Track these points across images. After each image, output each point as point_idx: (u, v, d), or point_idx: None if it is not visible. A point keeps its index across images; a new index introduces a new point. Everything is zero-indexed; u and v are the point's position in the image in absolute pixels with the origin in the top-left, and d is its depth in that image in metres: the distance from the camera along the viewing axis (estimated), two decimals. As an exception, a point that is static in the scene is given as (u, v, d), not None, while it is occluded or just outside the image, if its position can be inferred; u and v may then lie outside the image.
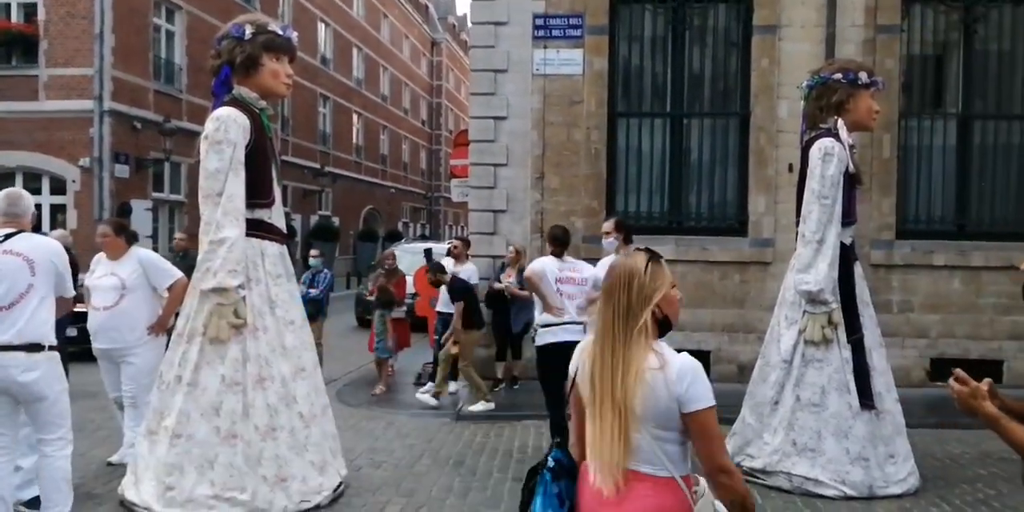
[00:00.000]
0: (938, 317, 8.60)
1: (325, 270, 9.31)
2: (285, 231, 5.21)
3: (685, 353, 2.12)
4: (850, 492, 5.09)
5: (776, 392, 5.42)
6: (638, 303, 2.11)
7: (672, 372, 2.06)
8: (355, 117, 33.26)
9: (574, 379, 2.27)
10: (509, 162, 8.97)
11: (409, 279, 9.03)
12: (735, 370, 8.40)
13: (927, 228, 8.77)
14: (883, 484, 5.15)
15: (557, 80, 8.84)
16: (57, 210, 16.97)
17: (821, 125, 5.49)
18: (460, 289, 7.76)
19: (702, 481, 2.18)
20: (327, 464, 4.91)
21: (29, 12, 17.08)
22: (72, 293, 4.31)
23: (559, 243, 5.72)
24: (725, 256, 8.67)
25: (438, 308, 8.46)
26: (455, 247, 8.97)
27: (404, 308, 8.74)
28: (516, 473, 5.61)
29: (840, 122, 5.42)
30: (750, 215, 8.73)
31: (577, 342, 5.60)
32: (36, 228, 5.24)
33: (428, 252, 9.17)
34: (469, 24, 9.65)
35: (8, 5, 17.23)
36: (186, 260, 9.04)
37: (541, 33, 8.83)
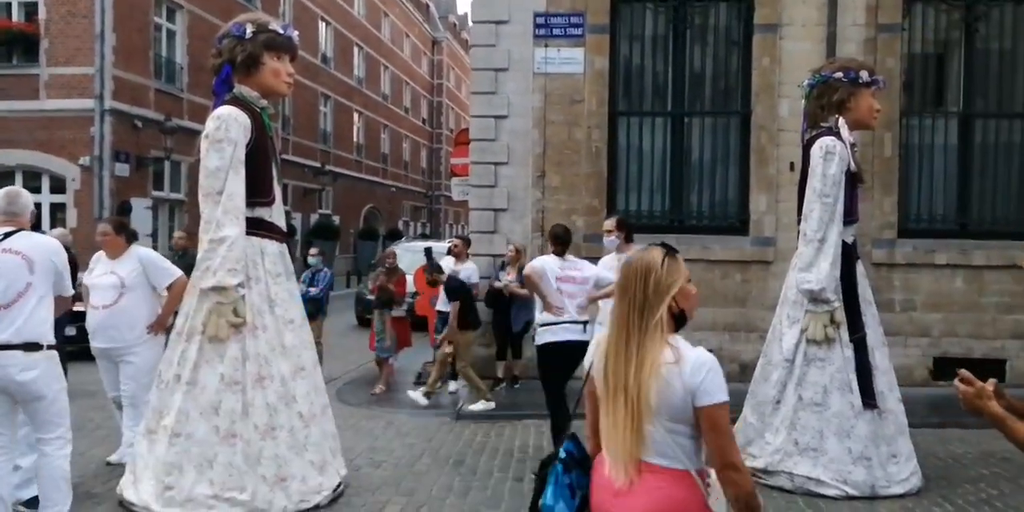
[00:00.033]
0: (940, 316, 8.58)
1: (325, 269, 9.30)
2: (285, 230, 5.19)
3: (701, 348, 2.12)
4: (852, 492, 5.08)
5: (778, 391, 5.41)
6: (655, 297, 2.12)
7: (687, 366, 2.06)
8: (356, 116, 33.26)
9: (588, 372, 2.29)
10: (510, 161, 8.96)
11: (409, 278, 9.02)
12: (737, 369, 8.38)
13: (929, 227, 8.75)
14: (885, 484, 5.13)
15: (558, 79, 8.82)
16: (57, 209, 16.97)
17: (822, 124, 5.48)
18: (456, 289, 7.75)
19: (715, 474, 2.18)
20: (327, 464, 4.90)
21: (30, 11, 17.08)
22: (71, 292, 4.30)
23: (560, 242, 5.70)
24: (726, 255, 8.65)
25: (438, 307, 8.44)
26: (455, 246, 8.96)
27: (404, 307, 8.73)
28: (516, 473, 5.60)
29: (841, 121, 5.40)
30: (751, 214, 8.72)
31: (577, 341, 5.67)
32: (36, 227, 5.23)
33: (428, 251, 9.15)
34: (470, 23, 9.63)
35: (9, 4, 17.23)
36: (185, 259, 9.03)
37: (542, 32, 8.82)
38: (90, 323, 5.44)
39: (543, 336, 5.54)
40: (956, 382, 2.16)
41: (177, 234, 12.56)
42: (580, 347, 5.47)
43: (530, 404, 7.22)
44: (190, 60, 19.43)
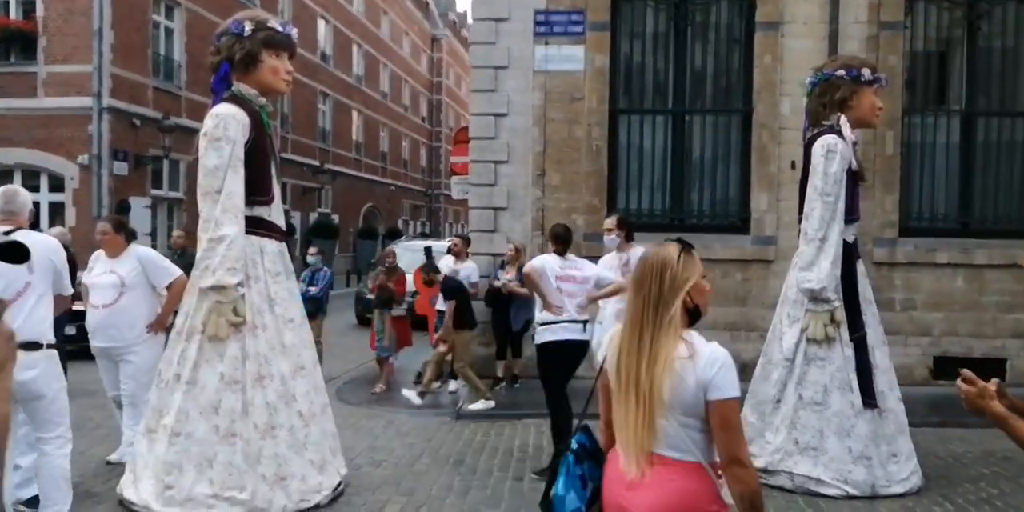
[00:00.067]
0: (941, 315, 8.57)
1: (325, 268, 9.28)
2: (284, 229, 5.18)
3: (715, 343, 2.14)
4: (852, 491, 5.07)
5: (778, 391, 5.40)
6: (670, 292, 2.13)
7: (701, 360, 2.08)
8: (355, 114, 33.23)
9: (602, 366, 2.31)
10: (510, 159, 8.94)
11: (409, 277, 9.00)
12: (737, 368, 8.35)
13: (930, 226, 8.73)
14: (886, 483, 5.13)
15: (558, 76, 8.80)
16: (56, 208, 16.95)
17: (824, 122, 5.46)
18: (452, 288, 7.73)
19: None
20: (327, 463, 4.89)
21: (28, 9, 17.05)
22: (70, 291, 4.29)
23: (561, 241, 5.68)
24: (727, 254, 8.64)
25: (438, 306, 8.42)
26: (455, 245, 8.94)
27: (404, 306, 8.72)
28: (516, 472, 5.59)
29: (843, 119, 5.38)
30: (752, 212, 8.70)
31: (577, 341, 5.65)
32: (34, 226, 5.21)
33: (428, 250, 9.15)
34: (470, 20, 9.61)
35: (7, 2, 17.20)
36: (184, 258, 9.01)
37: (542, 29, 8.79)
38: (90, 322, 5.43)
39: (542, 335, 5.53)
40: (959, 382, 2.16)
41: (176, 233, 12.55)
42: (580, 346, 5.48)
43: (530, 403, 7.21)
44: (188, 58, 19.40)
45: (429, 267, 8.14)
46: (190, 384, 4.60)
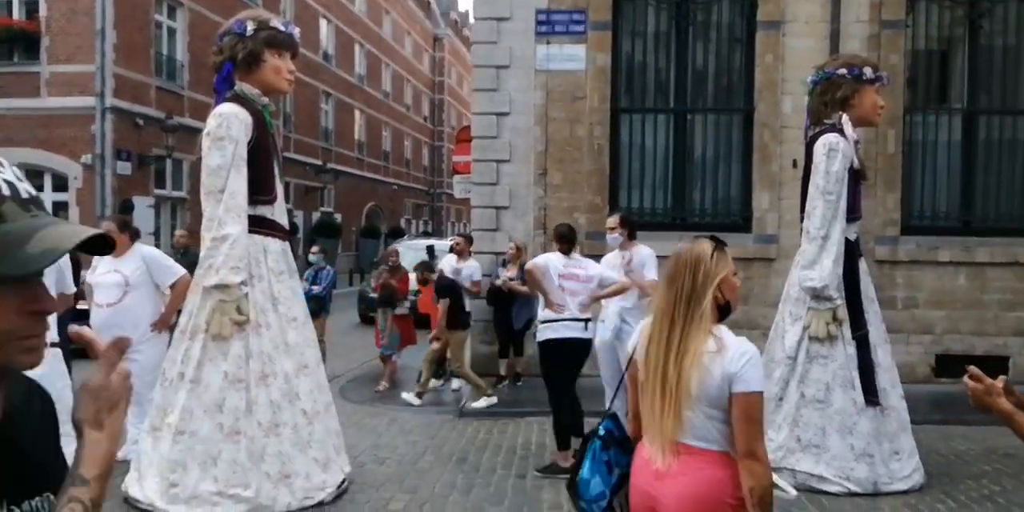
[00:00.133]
0: (943, 313, 8.57)
1: (328, 267, 9.30)
2: (287, 228, 5.20)
3: (744, 338, 2.18)
4: (855, 488, 5.08)
5: (780, 389, 5.41)
6: (702, 287, 2.19)
7: (728, 354, 2.13)
8: (357, 113, 33.24)
9: (631, 357, 2.36)
10: (512, 158, 8.95)
11: (412, 276, 9.02)
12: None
13: (932, 224, 8.74)
14: (888, 481, 5.14)
15: (560, 76, 8.81)
16: (59, 207, 16.95)
17: (825, 121, 5.47)
18: (445, 287, 7.76)
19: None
20: (330, 461, 4.91)
21: (31, 9, 17.06)
22: (72, 289, 4.31)
23: (565, 240, 5.68)
24: (729, 252, 8.62)
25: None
26: (457, 244, 8.96)
27: (407, 304, 8.74)
28: (519, 469, 5.61)
29: (845, 118, 5.39)
30: (754, 211, 8.71)
31: (578, 339, 5.66)
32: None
33: (431, 249, 9.18)
34: (471, 20, 9.62)
35: (10, 2, 17.22)
36: (187, 257, 9.03)
37: (544, 29, 8.80)
38: (94, 321, 5.45)
39: (544, 333, 5.55)
40: (965, 379, 2.17)
41: (179, 232, 12.58)
42: (582, 344, 5.50)
43: (532, 401, 7.22)
44: (191, 58, 19.41)
45: (424, 266, 8.17)
46: (194, 383, 4.62)
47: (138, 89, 17.73)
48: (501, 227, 9.01)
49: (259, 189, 4.85)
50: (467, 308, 8.26)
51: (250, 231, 4.77)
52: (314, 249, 9.53)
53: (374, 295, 9.08)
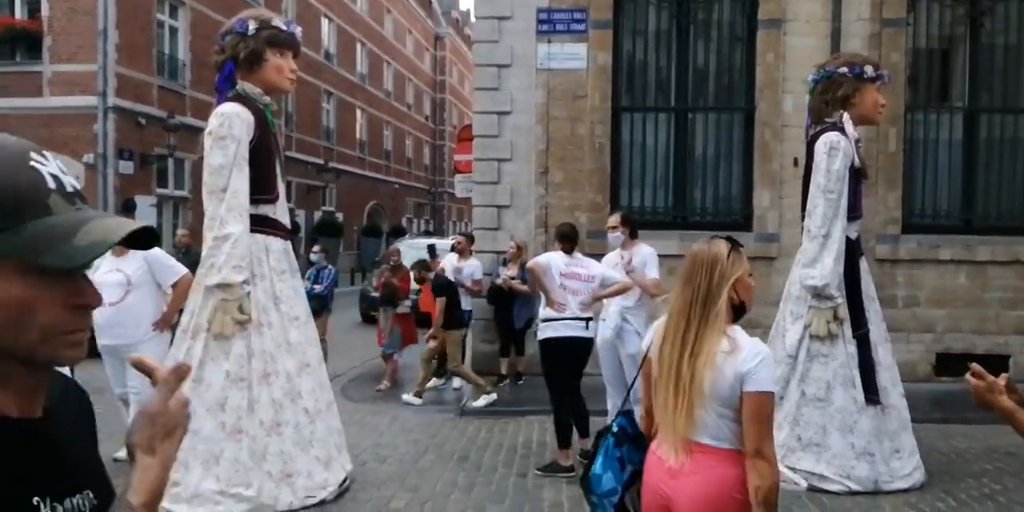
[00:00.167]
0: (944, 312, 8.57)
1: (329, 266, 9.32)
2: (289, 227, 5.21)
3: (758, 339, 2.22)
4: (855, 487, 5.09)
5: (781, 387, 5.40)
6: (718, 288, 2.22)
7: (742, 354, 2.15)
8: (359, 113, 33.26)
9: (646, 355, 2.39)
10: (513, 157, 8.96)
11: (413, 274, 9.04)
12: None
13: (933, 222, 8.74)
14: (888, 479, 5.14)
15: (561, 75, 8.82)
16: (61, 206, 16.98)
17: (827, 119, 5.47)
18: (441, 286, 7.77)
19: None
20: (332, 459, 4.92)
21: (33, 8, 17.07)
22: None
23: (568, 240, 5.69)
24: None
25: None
26: (459, 243, 8.97)
27: (409, 303, 8.75)
28: (520, 468, 5.62)
29: (846, 116, 5.39)
30: (755, 210, 8.71)
31: (579, 338, 5.67)
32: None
33: (432, 248, 9.19)
34: (473, 19, 9.62)
35: (12, 1, 17.23)
36: (189, 256, 9.04)
37: (545, 28, 8.81)
38: (96, 320, 5.46)
39: (544, 331, 5.56)
40: (968, 376, 2.18)
41: (180, 231, 12.59)
42: (582, 343, 5.50)
43: (533, 400, 7.23)
44: (193, 57, 19.42)
45: (420, 264, 8.19)
46: (196, 382, 4.62)
47: (140, 88, 17.75)
48: (502, 226, 9.02)
49: (261, 188, 4.86)
50: (467, 306, 8.28)
51: (252, 230, 4.78)
52: (316, 248, 9.56)
53: (376, 294, 9.10)
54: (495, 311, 8.51)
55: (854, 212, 5.44)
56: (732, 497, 2.14)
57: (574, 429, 5.57)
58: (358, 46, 32.87)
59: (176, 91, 19.10)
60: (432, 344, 7.78)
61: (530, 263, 5.74)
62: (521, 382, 8.50)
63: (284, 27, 4.94)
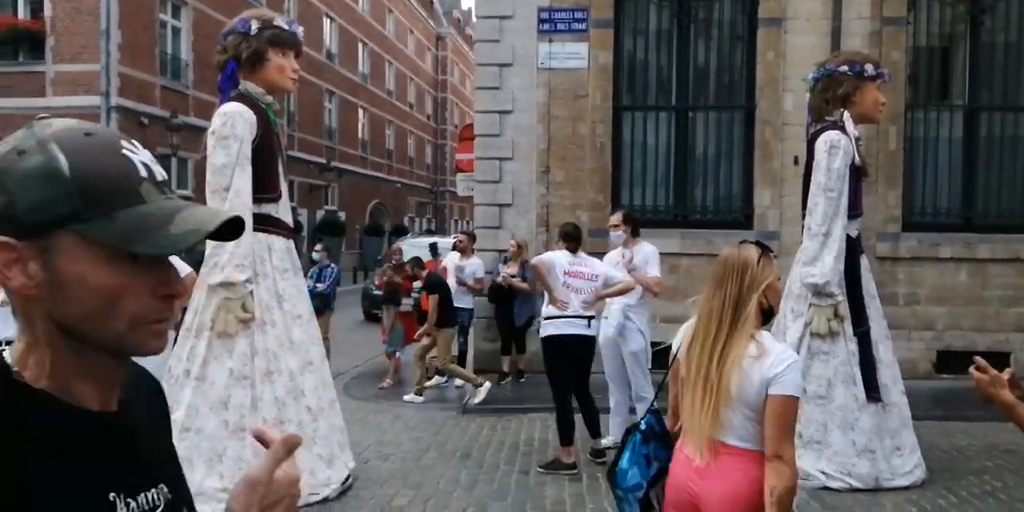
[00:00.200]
0: (944, 309, 8.58)
1: (332, 265, 9.35)
2: (292, 226, 5.24)
3: (786, 345, 2.23)
4: (856, 484, 5.10)
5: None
6: (748, 292, 2.24)
7: (769, 360, 2.18)
8: (361, 112, 33.29)
9: (675, 356, 2.43)
10: (514, 156, 8.98)
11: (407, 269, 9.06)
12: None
13: (933, 220, 8.75)
14: (889, 476, 5.16)
15: (562, 74, 8.84)
16: (64, 206, 17.03)
17: (827, 118, 5.48)
18: (434, 283, 7.80)
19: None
20: (335, 457, 4.95)
21: (36, 8, 17.13)
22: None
23: (571, 239, 5.70)
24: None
25: (457, 304, 8.45)
26: (461, 241, 9.00)
27: (411, 301, 8.78)
28: (522, 466, 5.64)
29: (846, 114, 5.41)
30: (755, 208, 8.73)
31: (581, 336, 5.68)
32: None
33: (434, 246, 9.21)
34: (474, 18, 9.64)
35: (15, 1, 17.29)
36: (192, 255, 9.07)
37: (546, 27, 8.83)
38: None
39: (546, 329, 5.58)
40: (971, 369, 2.21)
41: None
42: (584, 341, 5.52)
43: (535, 398, 7.26)
44: (195, 57, 19.47)
45: (415, 261, 8.22)
46: (199, 380, 4.65)
47: (143, 88, 17.79)
48: (504, 224, 9.04)
49: (263, 187, 4.88)
50: (468, 305, 8.30)
51: (255, 229, 4.80)
52: (318, 247, 9.59)
53: (378, 292, 9.13)
54: (496, 309, 8.53)
55: (854, 210, 5.45)
56: (760, 498, 2.18)
57: (583, 429, 5.59)
58: (360, 46, 32.90)
59: (179, 91, 19.15)
60: (426, 341, 7.81)
61: (535, 259, 5.75)
62: (523, 380, 8.52)
63: (286, 27, 4.96)
